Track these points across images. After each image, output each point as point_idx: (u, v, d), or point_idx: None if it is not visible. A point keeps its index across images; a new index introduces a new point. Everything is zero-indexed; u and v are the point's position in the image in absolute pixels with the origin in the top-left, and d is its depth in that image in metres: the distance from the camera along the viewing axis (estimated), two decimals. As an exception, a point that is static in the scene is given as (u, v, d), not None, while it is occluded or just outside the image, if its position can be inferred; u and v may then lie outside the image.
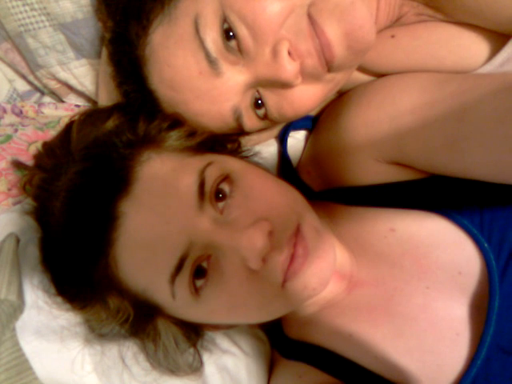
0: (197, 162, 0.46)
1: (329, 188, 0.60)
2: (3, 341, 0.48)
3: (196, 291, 0.43)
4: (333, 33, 0.44)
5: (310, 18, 0.44)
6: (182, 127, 0.50)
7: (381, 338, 0.50)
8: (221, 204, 0.44)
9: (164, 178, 0.44)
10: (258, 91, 0.49)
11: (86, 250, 0.43)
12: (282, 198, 0.46)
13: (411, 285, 0.50)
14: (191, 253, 0.42)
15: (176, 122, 0.50)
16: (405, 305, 0.50)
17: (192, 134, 0.50)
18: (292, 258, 0.43)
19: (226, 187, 0.45)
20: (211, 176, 0.44)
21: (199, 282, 0.43)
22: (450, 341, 0.47)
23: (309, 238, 0.44)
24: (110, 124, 0.48)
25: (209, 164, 0.45)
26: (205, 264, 0.43)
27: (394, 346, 0.49)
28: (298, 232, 0.44)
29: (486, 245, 0.46)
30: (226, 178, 0.45)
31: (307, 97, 0.49)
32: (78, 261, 0.44)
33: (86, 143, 0.47)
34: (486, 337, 0.45)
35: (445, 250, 0.48)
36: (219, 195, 0.44)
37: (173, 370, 0.51)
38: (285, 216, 0.44)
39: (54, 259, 0.48)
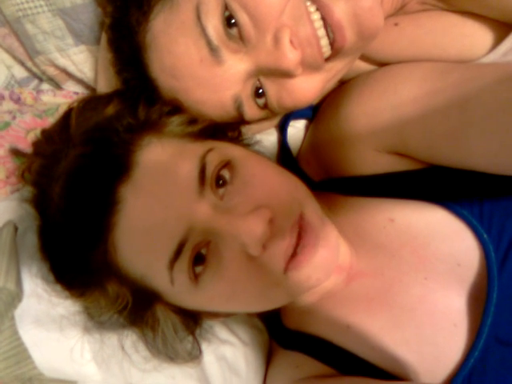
0: (198, 147, 0.45)
1: (328, 178, 0.59)
2: (2, 330, 0.48)
3: (195, 277, 0.43)
4: (342, 13, 0.43)
5: (313, 0, 0.43)
6: (184, 113, 0.49)
7: (378, 329, 0.50)
8: (221, 190, 0.44)
9: (164, 163, 0.43)
10: (259, 80, 0.49)
11: (84, 235, 0.43)
12: (283, 185, 0.46)
13: (410, 275, 0.50)
14: (190, 238, 0.42)
15: (177, 107, 0.49)
16: (403, 296, 0.50)
17: (193, 120, 0.49)
18: (296, 246, 0.43)
19: (226, 173, 0.44)
20: (212, 162, 0.44)
21: (198, 269, 0.43)
22: (447, 332, 0.47)
23: (315, 225, 0.44)
24: (111, 109, 0.47)
25: (210, 150, 0.44)
26: (204, 250, 0.43)
27: (391, 337, 0.49)
28: (302, 220, 0.44)
29: (485, 236, 0.46)
30: (227, 164, 0.44)
31: (307, 88, 0.49)
32: (77, 246, 0.44)
33: (86, 128, 0.46)
34: (483, 328, 0.45)
35: (444, 240, 0.48)
36: (220, 181, 0.44)
37: (172, 357, 0.51)
38: (286, 203, 0.44)
39: (53, 245, 0.47)
